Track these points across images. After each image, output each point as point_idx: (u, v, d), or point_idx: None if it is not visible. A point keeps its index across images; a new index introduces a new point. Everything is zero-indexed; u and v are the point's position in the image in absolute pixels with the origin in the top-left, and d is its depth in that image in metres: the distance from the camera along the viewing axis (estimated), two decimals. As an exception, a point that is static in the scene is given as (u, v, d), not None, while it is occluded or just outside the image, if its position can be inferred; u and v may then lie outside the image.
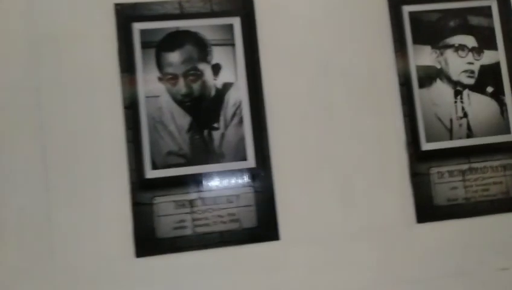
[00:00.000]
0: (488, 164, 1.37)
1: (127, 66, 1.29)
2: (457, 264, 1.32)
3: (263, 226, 1.29)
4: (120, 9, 1.30)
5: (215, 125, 1.32)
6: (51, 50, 1.26)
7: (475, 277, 1.32)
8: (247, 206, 1.30)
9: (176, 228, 1.27)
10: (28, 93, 1.25)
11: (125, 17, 1.30)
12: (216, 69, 1.33)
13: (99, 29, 1.29)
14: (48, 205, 1.22)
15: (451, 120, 1.37)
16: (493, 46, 1.40)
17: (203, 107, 1.32)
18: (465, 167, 1.36)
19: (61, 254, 1.21)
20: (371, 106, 1.36)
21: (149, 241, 1.25)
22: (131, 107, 1.28)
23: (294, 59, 1.35)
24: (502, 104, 1.40)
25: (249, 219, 1.30)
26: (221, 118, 1.32)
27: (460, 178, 1.36)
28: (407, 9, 1.38)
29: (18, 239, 1.20)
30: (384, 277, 1.30)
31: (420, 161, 1.34)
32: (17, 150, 1.23)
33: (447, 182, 1.35)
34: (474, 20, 1.40)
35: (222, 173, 1.29)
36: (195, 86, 1.32)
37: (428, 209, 1.33)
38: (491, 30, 1.41)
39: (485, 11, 1.42)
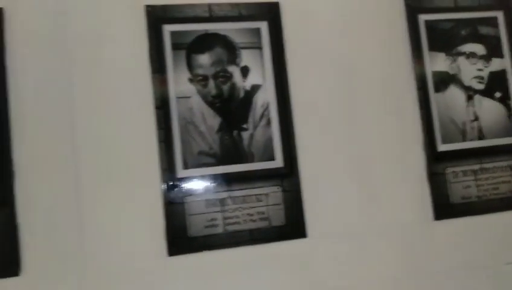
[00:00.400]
0: (497, 164, 1.46)
1: (158, 67, 1.31)
2: (471, 257, 1.39)
3: (291, 224, 1.33)
4: (151, 11, 1.32)
5: (244, 126, 1.35)
6: (83, 51, 1.26)
7: (488, 270, 1.39)
8: (275, 205, 1.34)
9: (207, 227, 1.29)
10: (60, 93, 1.24)
11: (156, 19, 1.32)
12: (245, 71, 1.37)
13: (130, 30, 1.30)
14: (78, 205, 1.22)
15: (464, 123, 1.46)
16: (500, 54, 1.51)
17: (233, 108, 1.35)
18: (477, 167, 1.45)
19: (93, 254, 1.21)
20: (391, 109, 1.42)
21: (181, 239, 1.26)
22: (162, 108, 1.30)
23: (318, 63, 1.40)
24: (509, 109, 1.49)
25: (277, 217, 1.33)
26: (250, 119, 1.35)
27: (473, 177, 1.44)
28: (423, 18, 1.47)
29: (49, 240, 1.19)
30: (404, 271, 1.36)
31: (436, 161, 1.42)
32: (48, 149, 1.22)
33: (461, 181, 1.43)
34: (483, 30, 1.50)
35: (251, 173, 1.32)
36: (225, 88, 1.35)
37: (444, 207, 1.41)
38: (498, 39, 1.51)
39: (492, 21, 1.52)
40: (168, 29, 1.33)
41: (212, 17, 1.36)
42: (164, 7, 1.33)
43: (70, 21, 1.27)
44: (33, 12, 1.25)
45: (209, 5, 1.36)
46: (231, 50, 1.37)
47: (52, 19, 1.26)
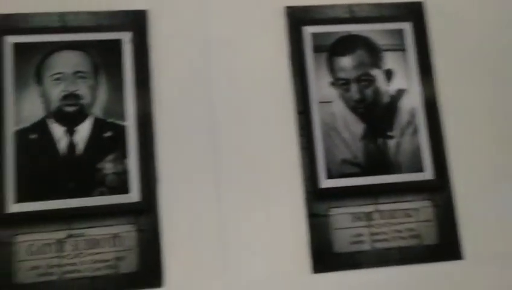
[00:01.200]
0: None
1: (299, 70, 1.23)
2: None
3: (445, 244, 1.19)
4: (291, 12, 1.27)
5: (390, 133, 1.23)
6: (223, 53, 1.22)
7: None
8: (426, 221, 1.20)
9: (353, 243, 1.18)
10: (200, 96, 1.19)
11: (296, 20, 1.26)
12: (388, 74, 1.27)
13: (270, 32, 1.24)
14: (220, 215, 1.15)
15: None
16: None
17: (377, 114, 1.24)
18: None
19: (235, 266, 1.12)
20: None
21: (326, 256, 1.15)
22: (304, 113, 1.22)
23: (467, 65, 1.28)
24: None
25: (429, 235, 1.20)
26: (396, 126, 1.24)
27: None
28: None
29: (191, 251, 1.11)
30: None
31: None
32: (190, 156, 1.16)
33: None
34: None
35: (399, 185, 1.20)
36: (368, 92, 1.26)
37: None
38: None
39: None
40: (308, 30, 1.26)
41: (353, 18, 1.28)
42: (304, 8, 1.27)
43: (211, 23, 1.23)
44: (176, 15, 1.22)
45: (350, 6, 1.28)
46: (374, 52, 1.27)
47: (194, 21, 1.23)
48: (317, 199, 1.17)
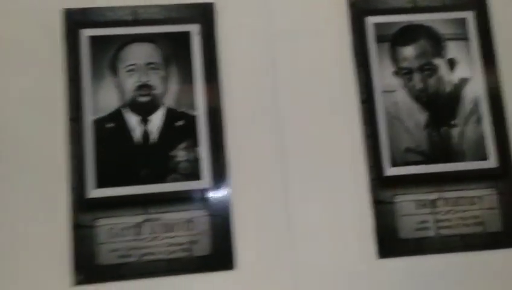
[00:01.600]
0: None
1: (362, 60, 1.25)
2: None
3: (509, 231, 1.20)
4: (354, 3, 1.28)
5: (453, 122, 1.25)
6: (287, 45, 1.24)
7: None
8: (490, 209, 1.22)
9: (418, 229, 1.20)
10: (266, 86, 1.22)
11: (358, 11, 1.27)
12: (451, 64, 1.28)
13: (333, 23, 1.26)
14: (287, 201, 1.18)
15: None
16: None
17: (440, 103, 1.25)
18: None
19: (301, 252, 1.16)
20: None
21: (392, 241, 1.18)
22: (367, 102, 1.24)
23: (532, 54, 1.30)
24: None
25: (493, 223, 1.21)
26: (459, 115, 1.25)
27: None
28: None
29: (260, 233, 1.15)
30: None
31: None
32: (256, 145, 1.19)
33: None
34: None
35: (463, 173, 1.22)
36: (431, 81, 1.27)
37: None
38: None
39: None
40: (371, 21, 1.28)
41: (415, 7, 1.29)
42: (366, -2, 1.31)
43: (275, 16, 1.25)
44: (240, 7, 1.25)
45: (413, -5, 1.31)
46: (436, 42, 1.28)
47: (259, 14, 1.25)
48: (382, 187, 1.20)
